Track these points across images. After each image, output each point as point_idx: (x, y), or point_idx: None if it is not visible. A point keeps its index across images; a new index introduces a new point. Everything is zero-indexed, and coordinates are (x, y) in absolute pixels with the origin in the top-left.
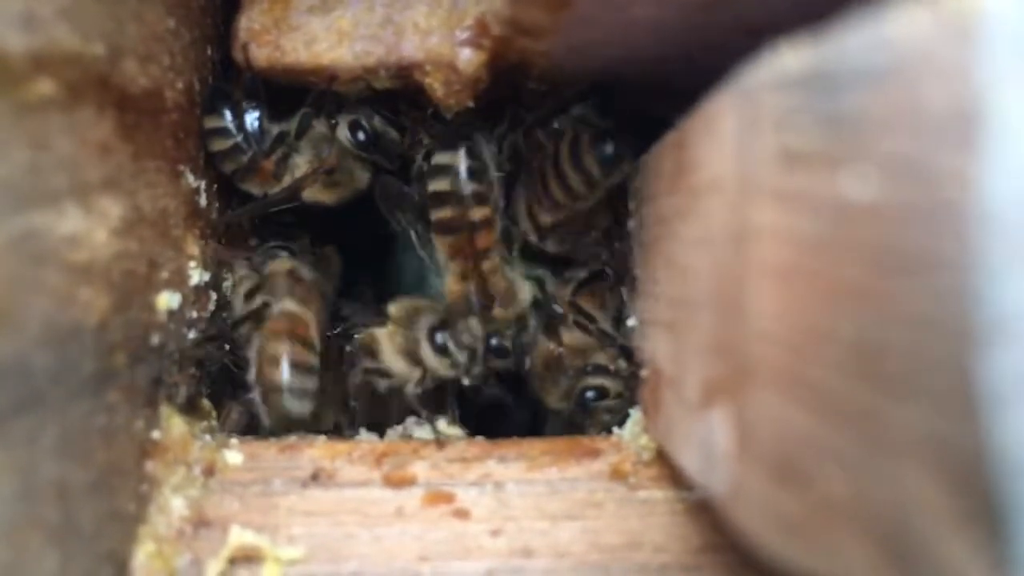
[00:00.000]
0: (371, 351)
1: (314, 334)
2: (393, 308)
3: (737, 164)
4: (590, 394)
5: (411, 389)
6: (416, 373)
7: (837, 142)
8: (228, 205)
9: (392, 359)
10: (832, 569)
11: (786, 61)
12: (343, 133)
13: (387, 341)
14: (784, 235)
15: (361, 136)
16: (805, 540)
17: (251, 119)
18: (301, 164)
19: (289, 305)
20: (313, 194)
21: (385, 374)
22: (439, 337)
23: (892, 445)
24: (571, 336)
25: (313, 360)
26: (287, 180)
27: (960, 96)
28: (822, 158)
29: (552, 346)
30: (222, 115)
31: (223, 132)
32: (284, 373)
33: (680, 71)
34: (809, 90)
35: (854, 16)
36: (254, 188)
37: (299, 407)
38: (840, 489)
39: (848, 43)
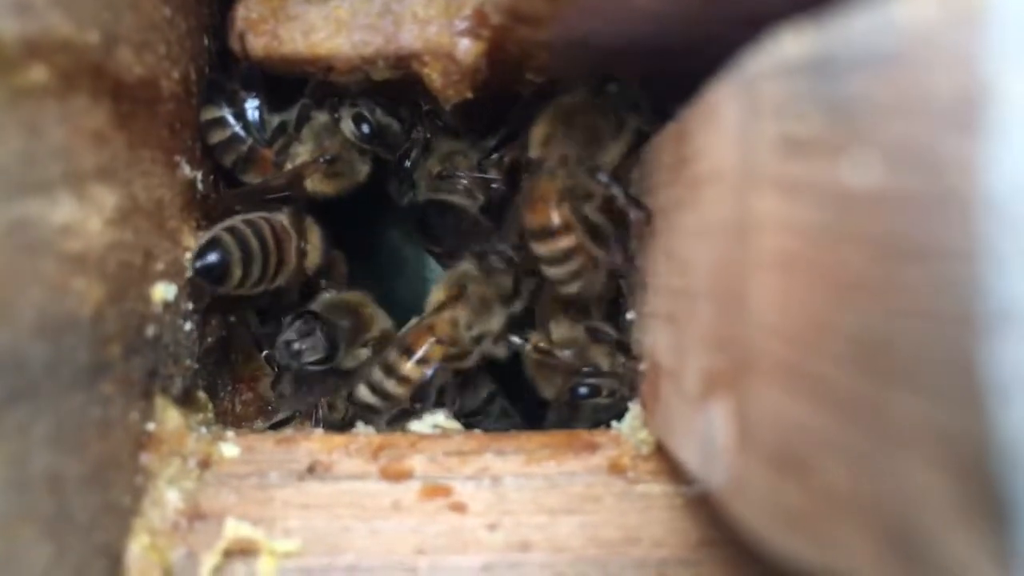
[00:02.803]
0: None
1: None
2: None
3: (738, 153)
4: (583, 390)
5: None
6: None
7: (839, 129)
8: None
9: (473, 322)
10: (833, 562)
11: (787, 47)
12: (347, 125)
13: (452, 325)
14: (786, 224)
15: (365, 128)
16: (806, 533)
17: (250, 109)
18: (303, 154)
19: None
20: (314, 184)
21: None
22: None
23: (895, 437)
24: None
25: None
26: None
27: (965, 82)
28: (824, 145)
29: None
30: (219, 106)
31: (220, 123)
32: None
33: (681, 62)
34: (811, 76)
35: (857, 2)
36: (256, 179)
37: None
38: (842, 481)
39: (852, 27)
